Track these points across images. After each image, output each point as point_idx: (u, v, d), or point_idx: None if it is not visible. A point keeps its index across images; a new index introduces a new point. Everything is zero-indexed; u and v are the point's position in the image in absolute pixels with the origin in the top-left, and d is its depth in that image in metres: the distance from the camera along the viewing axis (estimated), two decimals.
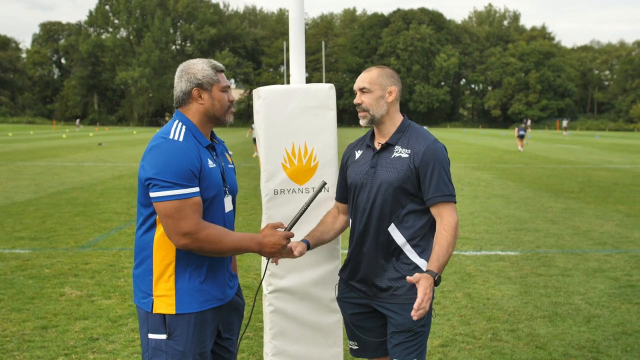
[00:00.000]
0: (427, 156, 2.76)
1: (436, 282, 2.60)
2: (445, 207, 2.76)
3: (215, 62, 2.66)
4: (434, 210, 2.79)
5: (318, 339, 3.61)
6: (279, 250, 2.63)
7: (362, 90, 2.87)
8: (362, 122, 2.89)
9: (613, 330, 5.08)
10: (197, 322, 2.53)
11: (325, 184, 2.87)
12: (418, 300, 2.49)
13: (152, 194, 2.41)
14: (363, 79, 2.87)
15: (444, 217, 2.75)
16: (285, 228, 2.70)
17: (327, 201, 3.54)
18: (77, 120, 74.10)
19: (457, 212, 2.79)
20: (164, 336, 2.50)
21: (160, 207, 2.41)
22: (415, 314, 2.50)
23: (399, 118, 2.91)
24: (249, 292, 5.94)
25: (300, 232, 3.53)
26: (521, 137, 31.35)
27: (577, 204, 12.15)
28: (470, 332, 5.02)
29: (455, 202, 2.82)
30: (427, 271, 2.62)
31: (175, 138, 2.48)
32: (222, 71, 2.66)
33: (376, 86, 2.84)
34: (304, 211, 2.76)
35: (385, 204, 2.80)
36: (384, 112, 2.85)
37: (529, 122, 34.66)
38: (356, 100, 2.89)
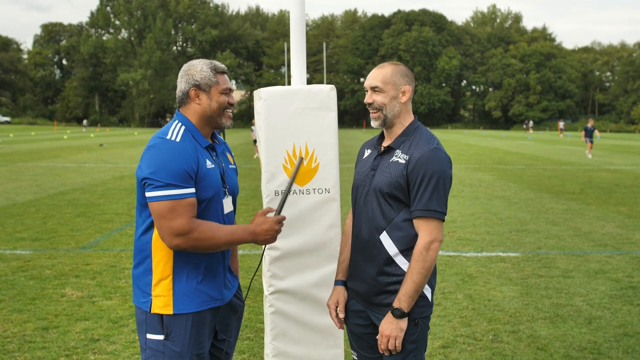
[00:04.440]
0: (420, 164, 2.53)
1: (394, 314, 2.54)
2: (424, 223, 2.54)
3: (217, 63, 2.64)
4: (415, 224, 2.57)
5: (319, 340, 3.61)
6: (273, 236, 2.59)
7: (374, 89, 2.65)
8: (374, 123, 2.70)
9: (614, 331, 5.07)
10: (195, 323, 2.52)
11: (302, 159, 2.78)
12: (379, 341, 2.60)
13: (147, 194, 2.42)
14: (375, 77, 2.66)
15: (419, 237, 2.55)
16: (275, 212, 2.66)
17: (328, 202, 3.55)
18: (84, 121, 75.23)
19: (437, 230, 2.53)
20: (161, 337, 2.50)
21: (154, 207, 2.40)
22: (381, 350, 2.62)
23: (408, 119, 2.70)
24: (249, 293, 5.94)
25: (301, 236, 3.53)
26: (590, 141, 27.47)
27: (578, 205, 12.14)
28: (471, 333, 5.02)
29: (441, 220, 2.56)
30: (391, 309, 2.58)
31: (172, 138, 2.48)
32: (223, 73, 2.64)
33: (389, 85, 2.63)
34: (288, 191, 2.68)
35: (377, 210, 2.63)
36: (396, 112, 2.65)
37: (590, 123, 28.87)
38: (367, 100, 2.68)
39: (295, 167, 2.72)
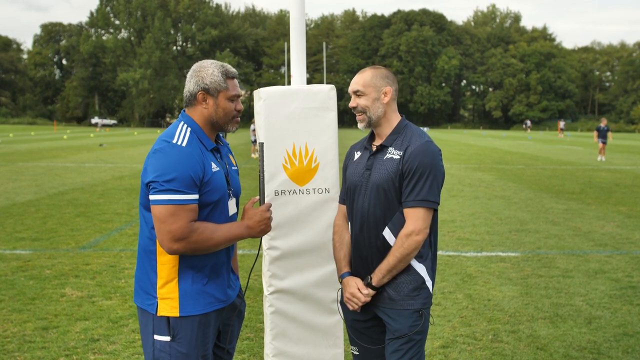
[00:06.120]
0: (414, 156, 2.67)
1: (364, 281, 2.77)
2: (411, 212, 2.66)
3: (228, 67, 2.60)
4: (404, 213, 2.69)
5: (319, 340, 3.62)
6: (268, 224, 2.60)
7: (356, 93, 2.80)
8: (360, 125, 2.83)
9: (614, 331, 5.07)
10: (201, 325, 2.53)
11: (262, 144, 2.77)
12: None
13: (150, 197, 2.41)
14: (356, 82, 2.81)
15: (407, 223, 2.67)
16: (259, 202, 2.66)
17: (328, 202, 3.55)
18: (99, 122, 76.26)
19: (422, 220, 2.66)
20: (167, 338, 2.50)
21: (155, 211, 2.40)
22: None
23: (395, 119, 2.83)
24: (248, 293, 5.95)
25: (300, 236, 3.53)
26: (603, 142, 25.33)
27: (578, 205, 12.14)
28: (471, 333, 5.02)
29: (433, 209, 2.70)
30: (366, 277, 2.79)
31: (179, 143, 2.46)
32: (233, 77, 2.60)
33: (370, 88, 2.77)
34: (263, 178, 2.68)
35: (378, 207, 2.73)
36: (380, 113, 2.78)
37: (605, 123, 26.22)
38: (351, 104, 2.82)
39: (260, 152, 2.71)
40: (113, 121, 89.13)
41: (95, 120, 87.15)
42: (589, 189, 14.89)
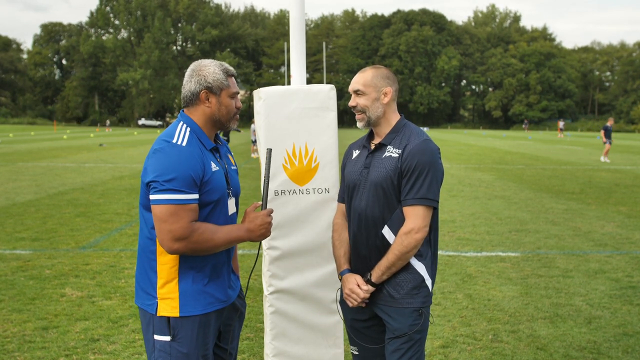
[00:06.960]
0: (412, 155, 2.67)
1: (364, 277, 2.78)
2: (411, 210, 2.67)
3: (227, 66, 2.61)
4: (404, 211, 2.69)
5: (319, 340, 3.62)
6: (268, 229, 2.61)
7: (356, 92, 2.81)
8: (359, 124, 2.83)
9: (614, 331, 5.07)
10: (201, 325, 2.53)
11: (270, 150, 2.77)
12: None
13: (151, 197, 2.41)
14: (357, 81, 2.81)
15: (406, 221, 2.67)
16: (262, 206, 2.68)
17: (328, 202, 3.55)
18: (107, 122, 76.78)
19: (422, 218, 2.66)
20: (168, 338, 2.50)
21: (156, 210, 2.40)
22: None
23: (395, 118, 2.84)
24: (248, 293, 5.95)
25: (301, 236, 3.53)
26: (609, 142, 24.86)
27: (578, 205, 12.14)
28: (471, 333, 5.02)
29: (433, 207, 2.70)
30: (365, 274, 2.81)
31: (179, 142, 2.46)
32: (232, 76, 2.62)
33: (370, 88, 2.78)
34: (268, 183, 2.70)
35: (376, 205, 2.73)
36: (380, 113, 2.79)
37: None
38: (351, 103, 2.83)
39: (267, 159, 2.71)
40: (158, 122, 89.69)
41: (141, 121, 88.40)
42: (589, 189, 14.89)
